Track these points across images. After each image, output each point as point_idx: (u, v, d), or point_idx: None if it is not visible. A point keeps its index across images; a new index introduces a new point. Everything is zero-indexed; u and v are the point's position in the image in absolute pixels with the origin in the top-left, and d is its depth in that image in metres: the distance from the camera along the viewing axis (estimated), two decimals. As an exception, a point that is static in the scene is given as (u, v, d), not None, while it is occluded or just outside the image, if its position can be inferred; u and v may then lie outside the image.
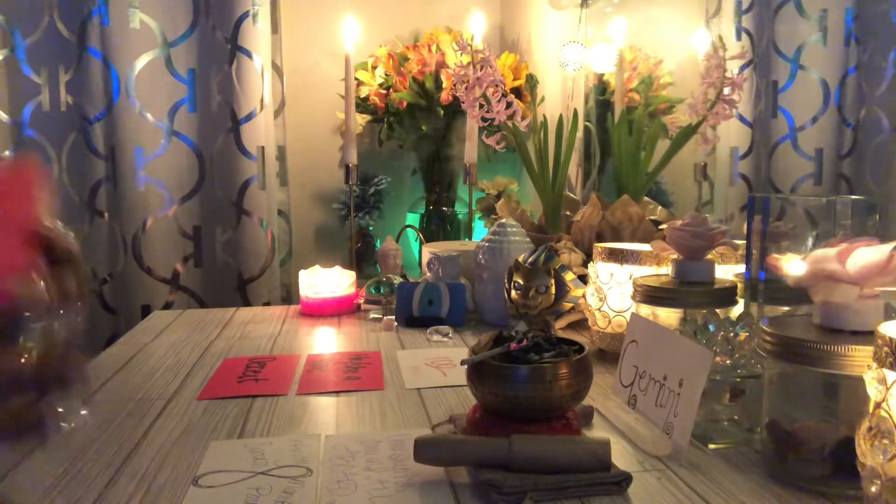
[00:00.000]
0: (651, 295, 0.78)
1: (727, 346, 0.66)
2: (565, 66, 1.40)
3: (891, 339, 0.45)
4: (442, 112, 1.62)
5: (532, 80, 1.67)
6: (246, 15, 1.52)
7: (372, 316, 1.20)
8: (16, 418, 0.39)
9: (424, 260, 1.25)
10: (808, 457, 0.56)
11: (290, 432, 0.70)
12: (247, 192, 1.56)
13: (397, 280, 1.23)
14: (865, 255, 0.54)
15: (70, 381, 0.39)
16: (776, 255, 0.66)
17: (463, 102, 1.20)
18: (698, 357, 0.62)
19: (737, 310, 0.75)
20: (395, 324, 1.14)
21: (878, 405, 0.46)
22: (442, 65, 1.61)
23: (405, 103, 1.62)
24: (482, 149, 1.59)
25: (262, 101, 1.55)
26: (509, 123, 1.20)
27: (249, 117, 1.54)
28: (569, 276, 0.93)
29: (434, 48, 1.62)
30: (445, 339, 1.06)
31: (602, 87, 1.52)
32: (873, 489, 0.47)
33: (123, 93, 1.49)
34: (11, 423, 0.39)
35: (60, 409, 0.39)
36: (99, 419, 0.73)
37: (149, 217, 1.53)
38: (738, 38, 1.36)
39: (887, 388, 0.46)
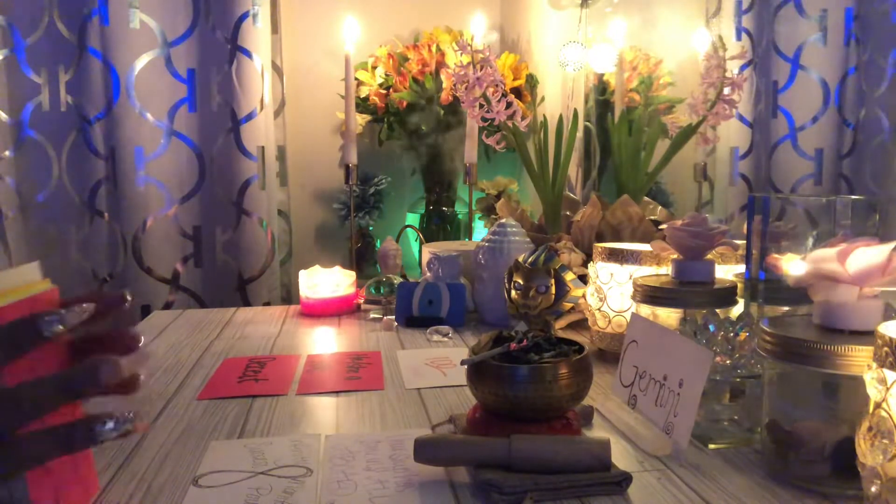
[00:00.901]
0: (651, 295, 0.78)
1: (727, 346, 0.66)
2: (565, 66, 1.41)
3: (891, 339, 0.45)
4: (442, 112, 1.62)
5: (532, 80, 1.67)
6: (246, 15, 1.52)
7: (372, 316, 1.20)
8: (63, 429, 0.39)
9: (424, 260, 1.25)
10: (808, 457, 0.56)
11: (290, 432, 0.70)
12: (247, 192, 1.56)
13: (397, 280, 1.23)
14: (865, 255, 0.54)
15: (103, 382, 0.39)
16: (776, 255, 0.66)
17: (463, 102, 1.20)
18: (698, 357, 0.62)
19: (737, 310, 0.75)
20: (395, 324, 1.14)
21: (878, 405, 0.46)
22: (442, 65, 1.61)
23: (405, 103, 1.62)
24: (482, 149, 1.59)
25: (262, 101, 1.55)
26: (509, 123, 1.20)
27: (249, 117, 1.54)
28: (569, 276, 0.93)
29: (434, 48, 1.62)
30: (445, 339, 1.06)
31: (602, 87, 1.52)
32: (873, 489, 0.47)
33: (123, 93, 1.49)
34: (59, 435, 0.39)
35: (108, 413, 0.39)
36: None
37: (149, 217, 1.53)
38: (738, 38, 1.36)
39: (887, 388, 0.46)
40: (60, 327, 0.39)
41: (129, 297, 0.47)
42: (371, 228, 1.73)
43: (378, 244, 1.54)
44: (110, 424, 0.39)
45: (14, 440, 0.38)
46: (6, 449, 0.38)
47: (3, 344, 0.39)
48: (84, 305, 0.40)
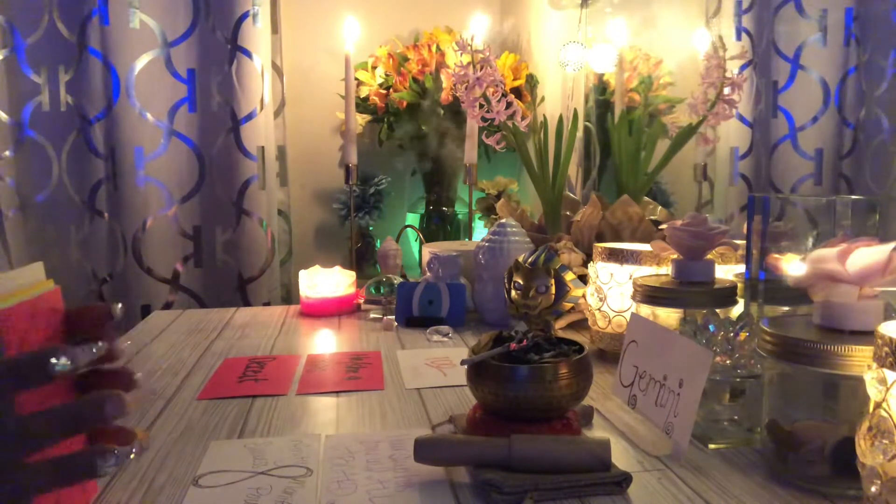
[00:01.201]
0: (651, 295, 0.78)
1: (727, 346, 0.66)
2: (565, 66, 1.40)
3: (891, 339, 0.45)
4: (442, 112, 1.62)
5: (532, 80, 1.67)
6: (246, 15, 1.52)
7: (372, 316, 1.20)
8: (66, 461, 0.40)
9: (424, 260, 1.25)
10: (808, 457, 0.56)
11: (290, 432, 0.70)
12: (247, 192, 1.56)
13: (397, 280, 1.23)
14: (865, 255, 0.54)
15: (109, 417, 0.40)
16: (776, 255, 0.66)
17: (463, 102, 1.20)
18: (698, 357, 0.62)
19: (737, 310, 0.75)
20: (395, 324, 1.14)
21: (878, 405, 0.46)
22: (442, 65, 1.61)
23: (405, 103, 1.62)
24: (482, 149, 1.59)
25: (262, 101, 1.55)
26: (509, 123, 1.20)
27: (249, 117, 1.54)
28: (569, 276, 0.93)
29: (434, 48, 1.62)
30: (445, 339, 1.06)
31: (602, 87, 1.52)
32: (873, 489, 0.47)
33: (123, 93, 1.49)
34: (62, 467, 0.40)
35: (110, 447, 0.40)
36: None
37: (149, 217, 1.53)
38: (738, 38, 1.36)
39: (887, 388, 0.46)
40: (70, 366, 0.39)
41: (117, 311, 0.47)
42: (371, 228, 1.73)
43: (378, 244, 1.54)
44: (112, 459, 0.40)
45: (18, 470, 0.39)
46: (10, 479, 0.38)
47: (12, 377, 0.39)
48: (99, 344, 0.41)
